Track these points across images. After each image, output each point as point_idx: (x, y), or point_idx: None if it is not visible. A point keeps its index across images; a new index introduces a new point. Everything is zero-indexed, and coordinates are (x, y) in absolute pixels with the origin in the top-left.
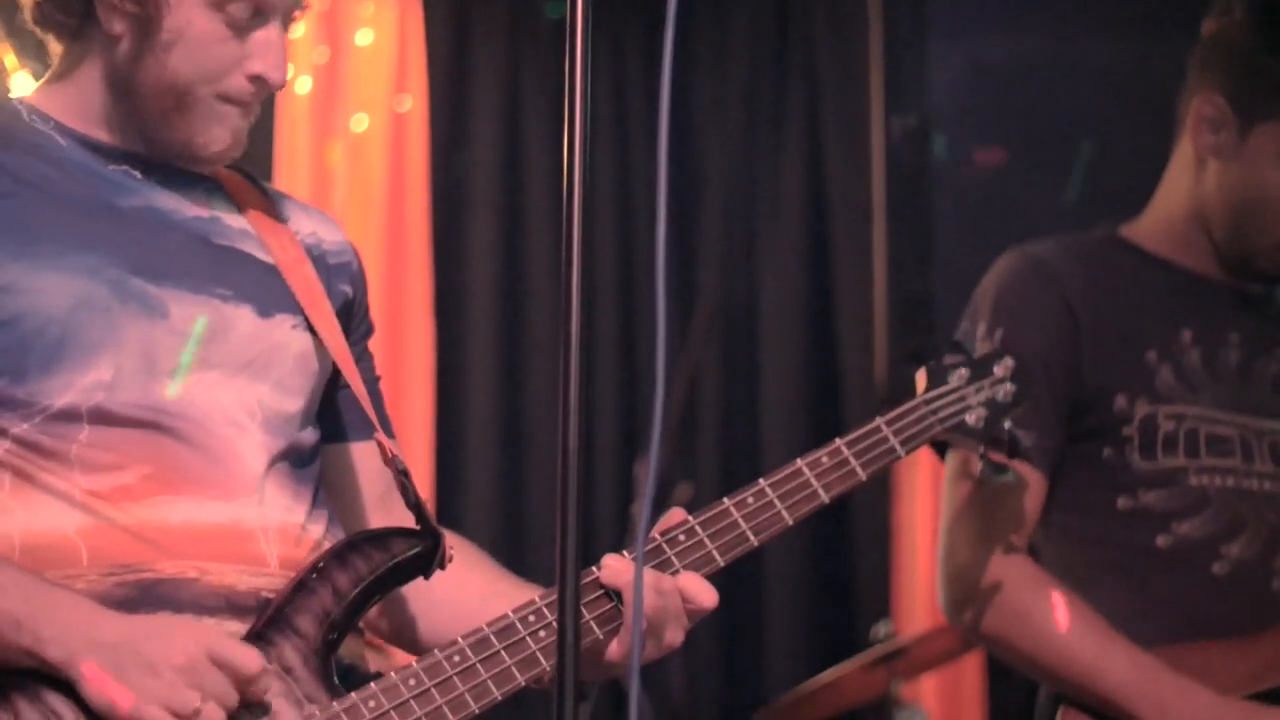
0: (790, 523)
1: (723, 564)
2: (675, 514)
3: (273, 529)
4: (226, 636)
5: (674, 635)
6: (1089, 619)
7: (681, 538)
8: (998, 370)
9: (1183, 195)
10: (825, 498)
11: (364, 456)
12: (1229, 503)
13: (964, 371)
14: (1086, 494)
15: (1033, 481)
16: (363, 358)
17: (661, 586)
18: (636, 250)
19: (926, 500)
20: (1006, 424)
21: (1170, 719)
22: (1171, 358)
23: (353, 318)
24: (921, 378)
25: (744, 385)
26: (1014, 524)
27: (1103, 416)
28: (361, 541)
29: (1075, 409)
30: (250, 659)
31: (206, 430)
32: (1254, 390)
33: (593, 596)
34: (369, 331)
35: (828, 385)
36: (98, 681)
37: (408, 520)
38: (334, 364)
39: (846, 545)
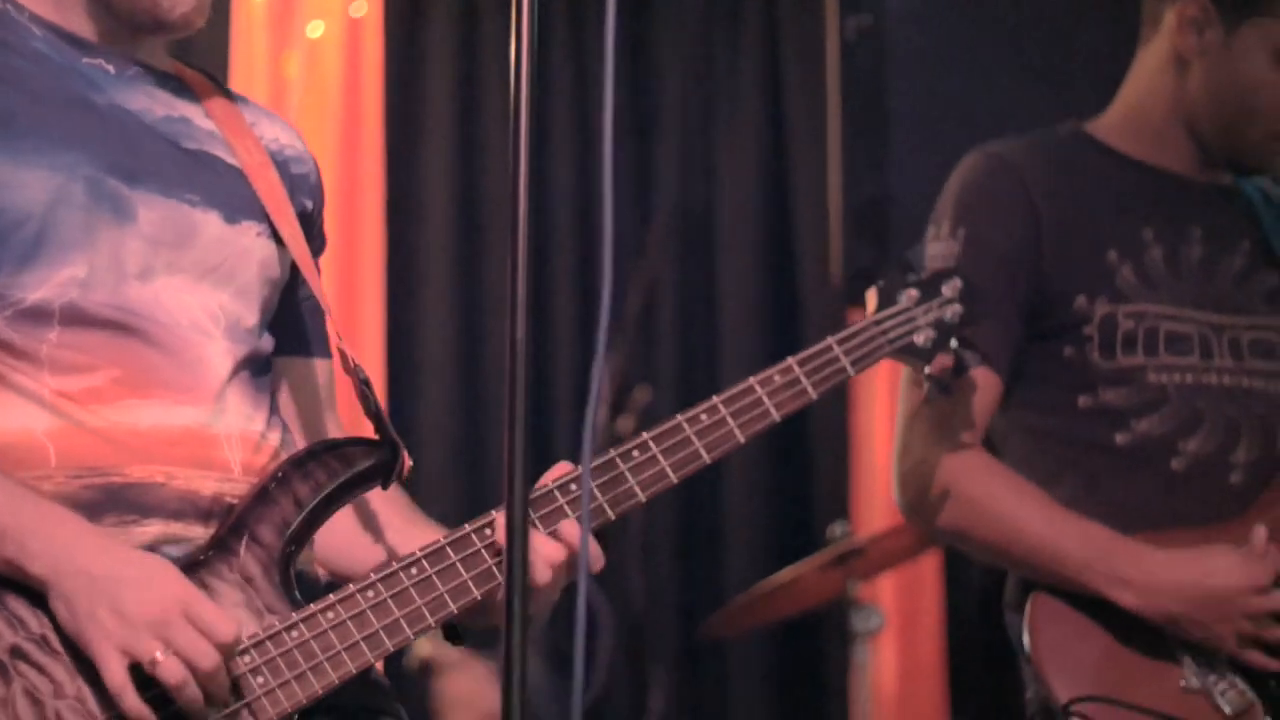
0: (742, 441)
1: (676, 480)
2: (561, 467)
3: (235, 436)
4: (206, 599)
5: (554, 597)
6: (1038, 499)
7: (635, 453)
8: (946, 290)
9: (1161, 95)
10: (776, 416)
11: (325, 370)
12: (1187, 399)
13: (913, 292)
14: (1047, 392)
15: (986, 383)
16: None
17: (554, 558)
18: (596, 161)
19: (884, 401)
20: (954, 343)
21: (1124, 585)
22: (1133, 256)
23: (309, 231)
24: (872, 298)
25: (701, 292)
26: (966, 424)
27: (1063, 316)
28: (321, 451)
29: (1036, 308)
30: (225, 627)
31: (174, 334)
32: (1215, 285)
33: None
34: (322, 247)
35: (784, 292)
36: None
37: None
38: (294, 271)
39: (805, 446)
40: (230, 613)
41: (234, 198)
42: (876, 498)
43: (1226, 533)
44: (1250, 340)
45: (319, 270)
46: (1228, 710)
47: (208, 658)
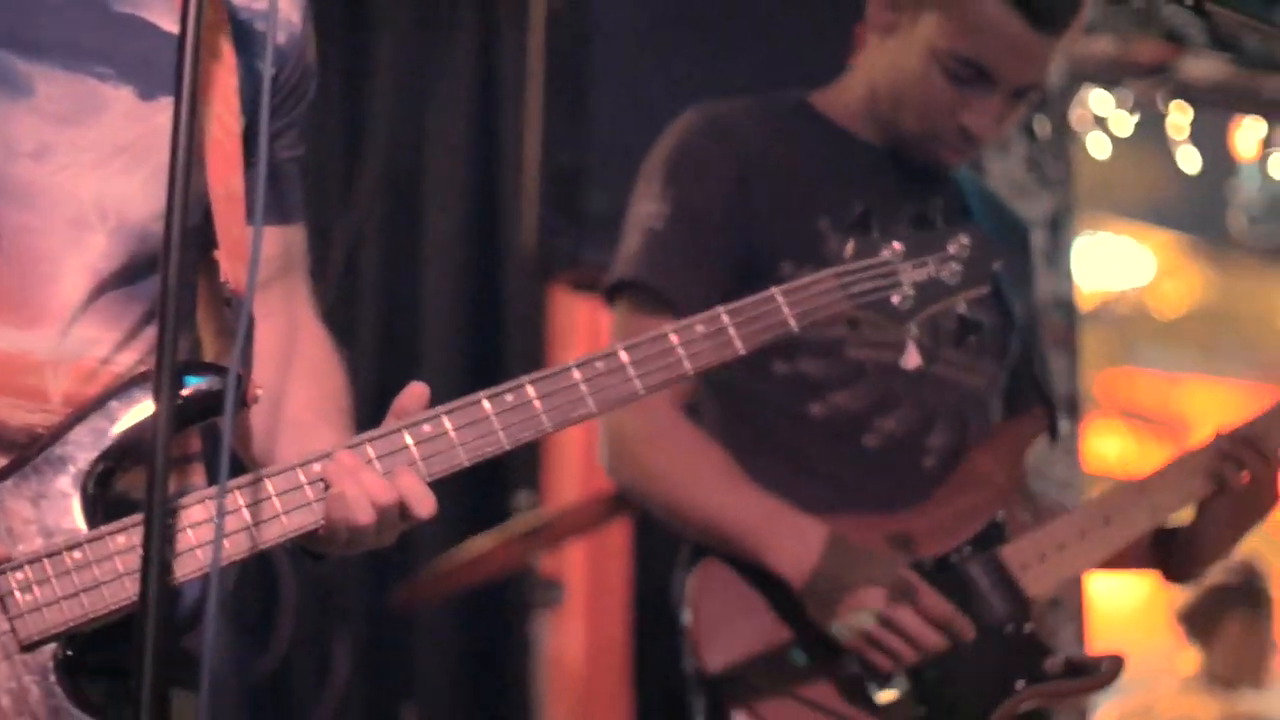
0: (642, 391)
1: (551, 429)
2: (414, 391)
3: (66, 364)
4: None
5: (386, 539)
6: (720, 467)
7: (509, 398)
8: (951, 248)
9: (865, 70)
10: (690, 369)
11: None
12: (884, 378)
13: (898, 245)
14: (745, 356)
15: None
16: (284, 133)
17: (380, 500)
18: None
19: None
20: (961, 308)
21: (779, 554)
22: (842, 228)
23: (279, 93)
24: (850, 248)
25: (406, 253)
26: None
27: (767, 280)
28: (151, 375)
29: (741, 270)
30: None
31: (35, 242)
32: None
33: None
34: (302, 98)
35: (489, 258)
36: None
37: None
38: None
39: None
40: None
41: (156, 70)
42: (567, 470)
43: (912, 519)
44: (949, 330)
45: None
46: (878, 697)
47: None
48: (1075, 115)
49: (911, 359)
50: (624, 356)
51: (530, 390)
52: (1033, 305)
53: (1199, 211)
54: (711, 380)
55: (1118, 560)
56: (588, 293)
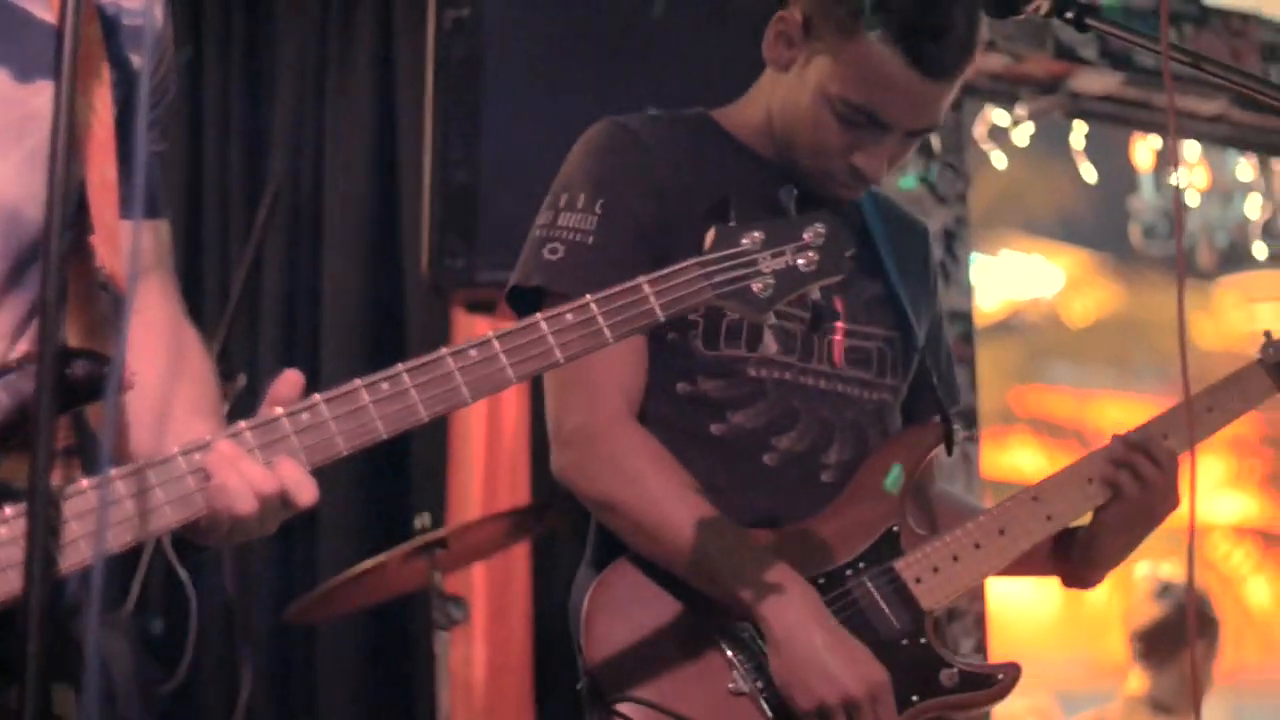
0: (514, 380)
1: (427, 417)
2: (288, 380)
3: None
4: None
5: (269, 528)
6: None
7: (385, 386)
8: (807, 236)
9: (763, 95)
10: (560, 357)
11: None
12: (784, 396)
13: (758, 234)
14: (650, 375)
15: (640, 351)
16: (151, 128)
17: (262, 489)
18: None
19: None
20: (816, 294)
21: (772, 604)
22: (709, 218)
23: (150, 86)
24: (710, 237)
25: (307, 281)
26: (621, 390)
27: None
28: (27, 361)
29: None
30: None
31: None
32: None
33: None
34: (165, 94)
35: (390, 280)
36: None
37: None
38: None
39: (402, 435)
40: None
41: (33, 53)
42: (471, 490)
43: (806, 533)
44: (848, 348)
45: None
46: (772, 715)
47: None
48: (976, 131)
49: (770, 347)
50: (497, 345)
51: (406, 379)
52: (937, 313)
53: (1106, 225)
54: None
55: (1016, 568)
56: (483, 314)
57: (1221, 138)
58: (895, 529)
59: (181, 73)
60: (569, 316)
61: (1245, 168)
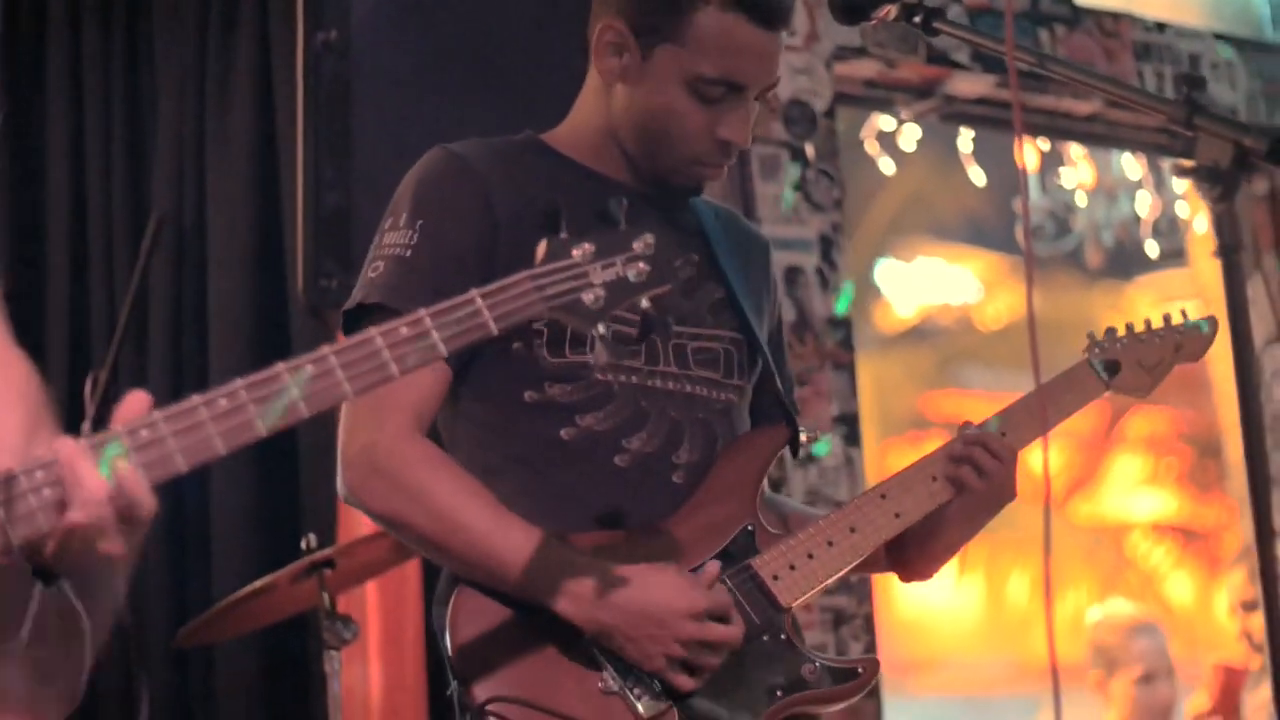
0: (351, 395)
1: (265, 432)
2: (135, 400)
3: None
4: None
5: (112, 545)
6: (482, 498)
7: (223, 402)
8: (637, 247)
9: (593, 113)
10: (396, 371)
11: None
12: (632, 397)
13: (588, 246)
14: (494, 386)
15: (438, 374)
16: None
17: (95, 496)
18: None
19: None
20: (644, 303)
21: (559, 594)
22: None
23: None
24: (541, 250)
25: (191, 308)
26: (413, 409)
27: None
28: None
29: None
30: None
31: None
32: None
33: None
34: None
35: (274, 303)
36: None
37: None
38: None
39: (293, 454)
40: None
41: None
42: (360, 514)
43: (662, 534)
44: (695, 349)
45: None
46: (643, 712)
47: None
48: (864, 138)
49: (600, 356)
50: (332, 360)
51: (244, 394)
52: (776, 320)
53: (1009, 229)
54: (456, 411)
55: (864, 566)
56: None
57: (1101, 137)
58: (750, 528)
59: (65, 103)
60: (404, 330)
61: (1133, 166)
